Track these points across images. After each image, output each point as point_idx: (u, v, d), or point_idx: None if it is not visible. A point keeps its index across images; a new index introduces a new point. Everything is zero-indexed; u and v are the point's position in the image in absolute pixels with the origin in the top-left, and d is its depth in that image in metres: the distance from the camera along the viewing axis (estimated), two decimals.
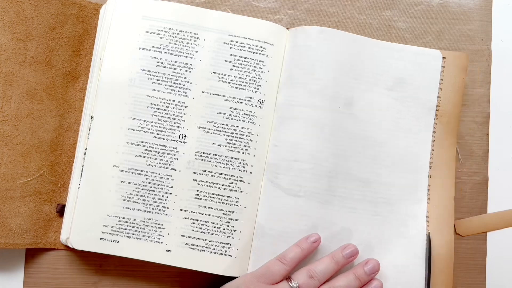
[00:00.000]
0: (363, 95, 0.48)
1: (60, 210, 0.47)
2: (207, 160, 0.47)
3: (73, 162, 0.48)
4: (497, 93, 0.51)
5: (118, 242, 0.45)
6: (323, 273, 0.44)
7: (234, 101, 0.47)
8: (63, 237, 0.46)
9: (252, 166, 0.47)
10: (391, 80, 0.48)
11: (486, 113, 0.51)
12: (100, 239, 0.45)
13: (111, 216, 0.46)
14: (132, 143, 0.46)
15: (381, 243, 0.47)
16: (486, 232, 0.49)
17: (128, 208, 0.46)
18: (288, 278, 0.44)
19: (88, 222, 0.45)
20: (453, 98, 0.49)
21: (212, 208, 0.46)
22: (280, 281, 0.44)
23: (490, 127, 0.51)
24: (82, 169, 0.46)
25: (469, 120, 0.51)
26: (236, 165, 0.47)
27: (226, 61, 0.48)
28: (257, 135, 0.47)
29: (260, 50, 0.48)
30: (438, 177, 0.48)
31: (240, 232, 0.46)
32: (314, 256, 0.47)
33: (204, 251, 0.46)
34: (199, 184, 0.46)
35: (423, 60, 0.49)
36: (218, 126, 0.47)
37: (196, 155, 0.47)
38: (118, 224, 0.46)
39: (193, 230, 0.46)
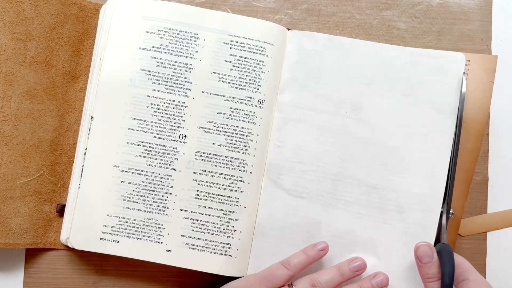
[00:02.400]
0: (374, 101, 0.47)
1: (60, 210, 0.47)
2: (207, 160, 0.47)
3: (73, 162, 0.48)
4: (497, 93, 0.50)
5: (118, 242, 0.45)
6: (326, 284, 0.43)
7: (234, 101, 0.47)
8: (63, 237, 0.46)
9: (252, 166, 0.47)
10: (406, 85, 0.47)
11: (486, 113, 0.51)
12: (100, 239, 0.45)
13: (111, 216, 0.46)
14: (132, 143, 0.46)
15: (388, 252, 0.46)
16: (486, 232, 0.49)
17: (128, 208, 0.46)
18: (290, 284, 0.44)
19: (88, 222, 0.45)
20: (479, 103, 0.48)
21: (212, 208, 0.46)
22: (282, 286, 0.44)
23: (490, 127, 0.51)
24: (82, 169, 0.46)
25: None
26: (236, 165, 0.47)
27: (226, 61, 0.48)
28: (257, 135, 0.47)
29: (260, 50, 0.48)
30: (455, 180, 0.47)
31: (240, 232, 0.46)
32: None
33: (204, 251, 0.46)
34: (199, 184, 0.46)
35: (443, 64, 0.47)
36: (218, 126, 0.47)
37: (196, 155, 0.47)
38: (118, 224, 0.45)
39: (193, 230, 0.46)
